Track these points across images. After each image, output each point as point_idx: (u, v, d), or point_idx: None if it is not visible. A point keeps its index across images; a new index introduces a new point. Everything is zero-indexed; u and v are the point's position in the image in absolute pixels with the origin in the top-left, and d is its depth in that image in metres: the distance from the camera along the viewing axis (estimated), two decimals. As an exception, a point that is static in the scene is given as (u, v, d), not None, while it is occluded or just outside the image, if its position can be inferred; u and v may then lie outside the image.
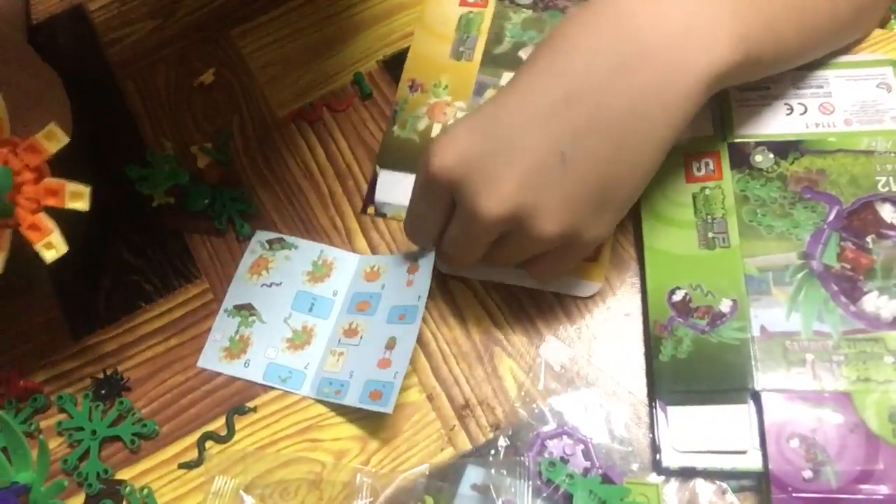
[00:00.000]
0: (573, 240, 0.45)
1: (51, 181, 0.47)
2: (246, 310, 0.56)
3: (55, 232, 0.46)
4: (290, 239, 0.58)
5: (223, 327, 0.56)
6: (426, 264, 0.52)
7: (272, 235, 0.58)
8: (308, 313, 0.55)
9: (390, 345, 0.50)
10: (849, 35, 0.55)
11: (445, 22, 0.63)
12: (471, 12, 0.63)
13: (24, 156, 0.46)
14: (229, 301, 0.56)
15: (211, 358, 0.55)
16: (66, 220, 0.47)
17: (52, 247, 0.46)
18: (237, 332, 0.55)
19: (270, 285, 0.56)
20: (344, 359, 0.53)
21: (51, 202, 0.47)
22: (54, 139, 0.46)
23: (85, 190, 0.46)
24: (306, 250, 0.57)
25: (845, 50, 0.55)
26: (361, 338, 0.53)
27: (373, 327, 0.53)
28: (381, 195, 0.58)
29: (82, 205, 0.47)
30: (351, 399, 0.50)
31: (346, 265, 0.57)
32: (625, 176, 0.44)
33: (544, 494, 0.47)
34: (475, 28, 0.62)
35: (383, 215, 0.58)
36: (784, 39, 0.47)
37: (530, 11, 0.62)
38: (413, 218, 0.50)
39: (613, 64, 0.42)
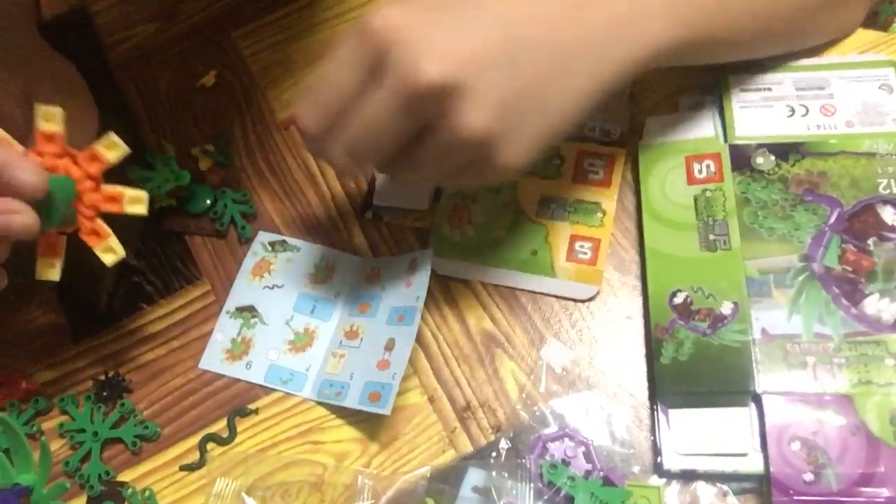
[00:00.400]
0: (489, 150, 0.42)
1: (109, 188, 0.47)
2: (248, 311, 0.56)
3: (112, 236, 0.47)
4: (292, 241, 0.58)
5: (225, 329, 0.56)
6: (424, 264, 0.52)
7: (274, 237, 0.58)
8: (310, 315, 0.55)
9: (389, 346, 0.50)
10: (818, 26, 0.55)
11: None
12: None
13: (85, 165, 0.46)
14: (231, 303, 0.57)
15: (212, 359, 0.55)
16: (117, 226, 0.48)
17: (112, 251, 0.47)
18: (239, 333, 0.55)
19: (272, 287, 0.57)
20: (345, 361, 0.53)
21: (111, 208, 0.47)
22: (115, 148, 0.46)
23: (143, 195, 0.46)
24: (308, 252, 0.57)
25: (826, 47, 0.56)
26: (362, 340, 0.53)
27: (373, 329, 0.53)
28: (378, 198, 0.58)
29: (141, 209, 0.47)
30: (350, 401, 0.50)
31: (348, 267, 0.57)
32: (556, 100, 0.43)
33: (545, 497, 0.47)
34: None
35: (380, 218, 0.57)
36: (737, 20, 0.48)
37: None
38: (319, 87, 0.43)
39: None
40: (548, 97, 0.42)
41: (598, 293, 0.53)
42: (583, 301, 0.53)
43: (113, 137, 0.46)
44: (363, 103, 0.41)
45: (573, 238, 0.54)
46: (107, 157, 0.46)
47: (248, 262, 0.58)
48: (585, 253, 0.53)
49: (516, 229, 0.55)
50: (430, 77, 0.39)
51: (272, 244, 0.58)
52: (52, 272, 0.47)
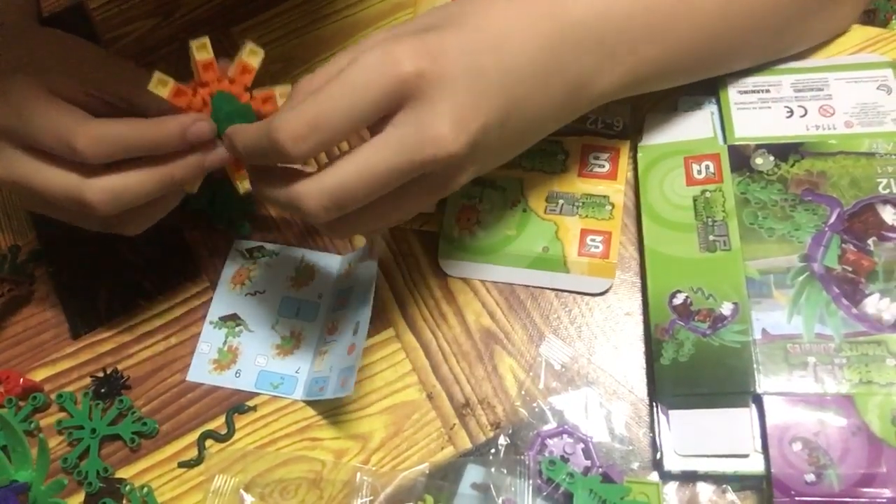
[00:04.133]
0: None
1: (261, 91, 0.48)
2: (232, 320, 0.56)
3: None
4: (269, 246, 0.58)
5: (210, 339, 0.55)
6: (378, 241, 0.53)
7: (251, 244, 0.58)
8: (295, 318, 0.55)
9: (355, 330, 0.51)
10: (810, 29, 0.55)
11: None
12: None
13: (240, 78, 0.47)
14: (214, 313, 0.56)
15: (200, 371, 0.55)
16: None
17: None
18: (225, 342, 0.55)
19: (255, 293, 0.56)
20: (327, 356, 0.53)
21: (270, 108, 0.48)
22: (255, 55, 0.47)
23: (287, 87, 0.47)
24: (287, 256, 0.57)
25: (824, 45, 0.56)
26: (340, 332, 0.53)
27: (346, 319, 0.53)
28: None
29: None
30: (331, 391, 0.50)
31: (329, 267, 0.57)
32: (521, 146, 0.48)
33: (545, 493, 0.47)
34: None
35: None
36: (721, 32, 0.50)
37: None
38: (321, 104, 0.40)
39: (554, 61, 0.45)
40: (517, 148, 0.48)
41: (611, 286, 0.53)
42: (585, 296, 0.53)
43: (250, 44, 0.47)
44: (366, 148, 0.41)
45: (584, 232, 0.54)
46: (252, 65, 0.47)
47: (227, 271, 0.57)
48: (597, 246, 0.53)
49: (526, 227, 0.55)
50: (448, 151, 0.40)
51: (249, 251, 0.58)
52: (247, 183, 0.47)
